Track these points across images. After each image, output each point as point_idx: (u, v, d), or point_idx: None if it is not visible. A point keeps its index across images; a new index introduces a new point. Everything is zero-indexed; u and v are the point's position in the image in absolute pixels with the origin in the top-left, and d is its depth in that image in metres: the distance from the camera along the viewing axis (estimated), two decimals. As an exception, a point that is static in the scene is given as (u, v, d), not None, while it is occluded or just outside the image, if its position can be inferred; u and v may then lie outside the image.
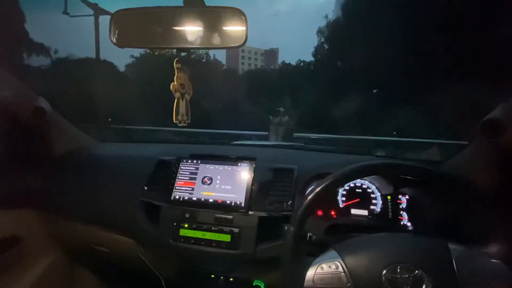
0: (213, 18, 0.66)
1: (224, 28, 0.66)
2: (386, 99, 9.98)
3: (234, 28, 0.66)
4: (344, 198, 0.88)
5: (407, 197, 0.85)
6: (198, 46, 0.69)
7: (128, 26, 0.69)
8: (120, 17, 0.69)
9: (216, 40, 0.67)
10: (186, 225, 0.86)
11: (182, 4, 0.66)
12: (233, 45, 0.67)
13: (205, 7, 0.66)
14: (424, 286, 0.51)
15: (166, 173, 0.96)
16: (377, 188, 0.88)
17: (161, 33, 0.69)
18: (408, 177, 0.79)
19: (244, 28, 0.65)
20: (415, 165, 0.64)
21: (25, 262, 1.01)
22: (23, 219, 1.01)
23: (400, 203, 0.85)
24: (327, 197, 0.68)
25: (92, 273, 1.23)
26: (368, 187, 0.89)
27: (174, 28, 0.68)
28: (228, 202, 0.88)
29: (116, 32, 0.68)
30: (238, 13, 0.65)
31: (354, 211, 0.87)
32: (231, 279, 0.92)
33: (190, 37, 0.67)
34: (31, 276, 1.01)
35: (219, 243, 0.83)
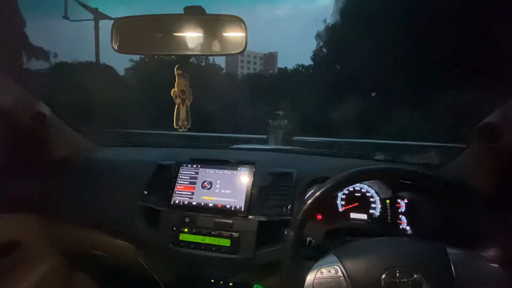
0: (213, 26, 0.68)
1: (224, 35, 0.68)
2: (384, 102, 10.01)
3: (234, 35, 0.67)
4: (343, 202, 0.89)
5: (406, 201, 0.86)
6: (198, 53, 0.71)
7: (130, 33, 0.70)
8: (121, 24, 0.70)
9: (216, 47, 0.68)
10: (186, 230, 0.86)
11: (182, 12, 0.67)
12: (233, 52, 0.68)
13: (206, 15, 0.67)
14: None
15: (165, 178, 0.96)
16: (376, 192, 0.88)
17: (162, 40, 0.71)
18: (407, 182, 0.80)
19: (243, 35, 0.66)
20: (413, 169, 0.65)
21: (24, 267, 1.00)
22: (22, 223, 1.01)
23: (399, 207, 0.86)
24: (326, 201, 0.68)
25: (91, 278, 1.22)
26: (367, 191, 0.89)
27: (174, 35, 0.69)
28: (227, 206, 0.88)
29: (118, 39, 0.69)
30: (238, 21, 0.66)
31: (353, 215, 0.88)
32: (231, 284, 0.92)
33: (190, 44, 0.68)
34: (30, 281, 1.00)
35: (218, 248, 0.83)
